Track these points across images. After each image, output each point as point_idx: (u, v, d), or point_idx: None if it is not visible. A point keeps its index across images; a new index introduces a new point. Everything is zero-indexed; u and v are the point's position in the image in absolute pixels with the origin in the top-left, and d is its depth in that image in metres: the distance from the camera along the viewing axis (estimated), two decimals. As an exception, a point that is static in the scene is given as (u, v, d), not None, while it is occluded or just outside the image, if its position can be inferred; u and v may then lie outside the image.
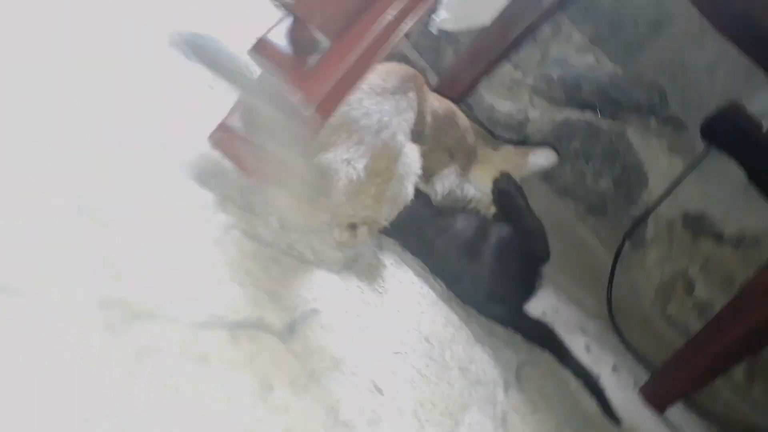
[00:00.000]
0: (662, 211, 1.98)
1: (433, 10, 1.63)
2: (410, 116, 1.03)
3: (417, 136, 1.06)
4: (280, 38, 0.85)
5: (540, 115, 2.07)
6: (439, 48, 1.93)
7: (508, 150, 1.32)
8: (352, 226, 0.99)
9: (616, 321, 1.84)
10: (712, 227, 1.98)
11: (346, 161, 0.91)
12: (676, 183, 1.86)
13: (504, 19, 1.49)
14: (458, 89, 1.57)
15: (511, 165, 1.34)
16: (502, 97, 2.10)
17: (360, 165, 0.92)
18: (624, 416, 1.35)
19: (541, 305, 1.58)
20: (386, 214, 1.00)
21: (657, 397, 1.52)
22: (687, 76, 1.95)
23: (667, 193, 1.88)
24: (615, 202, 2.04)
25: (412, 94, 1.04)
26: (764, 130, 1.79)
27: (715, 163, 1.86)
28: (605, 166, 2.04)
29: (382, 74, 1.01)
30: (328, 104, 0.85)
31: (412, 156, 1.01)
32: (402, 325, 0.97)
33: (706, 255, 1.98)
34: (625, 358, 1.70)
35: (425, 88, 1.11)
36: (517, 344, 1.23)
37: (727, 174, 1.88)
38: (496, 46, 1.51)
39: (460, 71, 1.59)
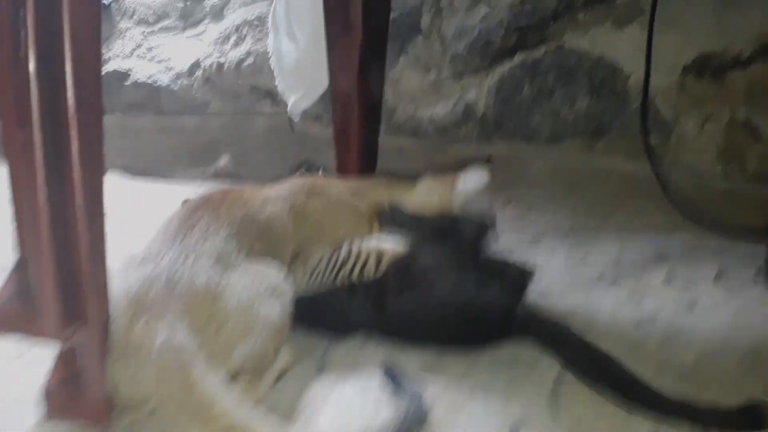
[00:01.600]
0: (659, 83, 1.67)
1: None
2: (216, 242, 0.89)
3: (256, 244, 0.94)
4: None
5: (477, 93, 1.87)
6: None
7: (427, 184, 1.18)
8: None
9: (690, 214, 1.53)
10: (725, 57, 1.64)
11: (169, 347, 0.77)
12: (649, 46, 1.58)
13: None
14: (357, 144, 1.42)
15: (437, 198, 1.20)
16: (430, 105, 1.92)
17: (181, 338, 0.78)
18: (757, 322, 1.10)
19: (596, 269, 1.34)
20: (250, 352, 0.83)
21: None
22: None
23: (648, 62, 1.59)
24: (608, 112, 1.76)
25: (204, 221, 0.91)
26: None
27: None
28: (571, 88, 1.77)
29: (162, 225, 0.92)
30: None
31: (244, 278, 0.86)
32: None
33: (743, 88, 1.63)
34: (722, 258, 1.37)
35: (234, 196, 1.00)
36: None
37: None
38: (350, 82, 1.38)
39: (345, 127, 1.45)
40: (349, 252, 1.07)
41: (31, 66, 0.64)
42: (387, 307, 1.03)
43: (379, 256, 1.06)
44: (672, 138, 1.70)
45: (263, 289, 0.88)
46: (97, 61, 0.72)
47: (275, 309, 0.88)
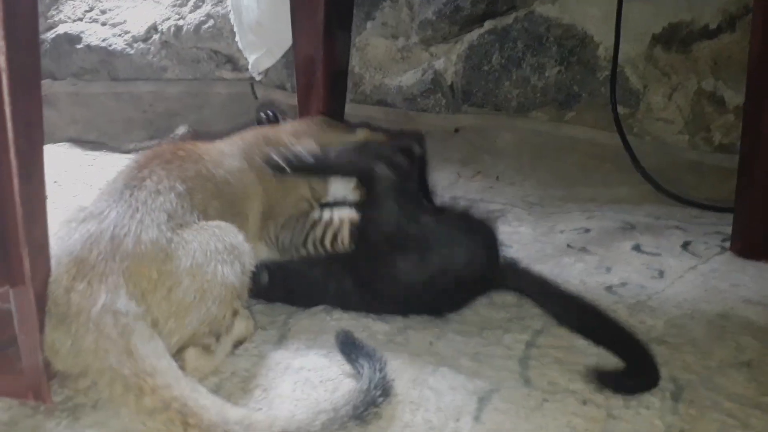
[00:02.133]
0: (629, 53, 1.66)
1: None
2: (167, 198, 0.82)
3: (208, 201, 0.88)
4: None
5: (445, 61, 1.82)
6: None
7: (363, 135, 1.14)
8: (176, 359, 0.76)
9: (661, 186, 1.52)
10: (693, 28, 1.63)
11: (109, 311, 0.71)
12: (618, 14, 1.55)
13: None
14: (322, 112, 1.36)
15: None
16: (398, 73, 1.87)
17: (123, 302, 0.71)
18: (725, 288, 1.09)
19: (564, 237, 1.32)
20: (205, 317, 0.78)
21: (753, 245, 1.20)
22: None
23: (617, 31, 1.57)
24: (577, 81, 1.73)
25: (155, 176, 0.84)
26: None
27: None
28: (540, 56, 1.74)
29: (108, 181, 0.85)
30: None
31: (199, 235, 0.80)
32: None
33: (710, 58, 1.63)
34: (690, 227, 1.37)
35: (187, 151, 0.93)
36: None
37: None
38: (314, 46, 1.31)
39: (308, 94, 1.39)
40: (320, 216, 1.01)
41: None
42: (361, 275, 0.98)
43: (353, 225, 1.00)
44: (640, 108, 1.69)
45: (221, 248, 0.81)
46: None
47: (233, 270, 0.81)
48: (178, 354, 0.77)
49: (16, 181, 0.64)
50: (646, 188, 1.54)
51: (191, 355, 0.78)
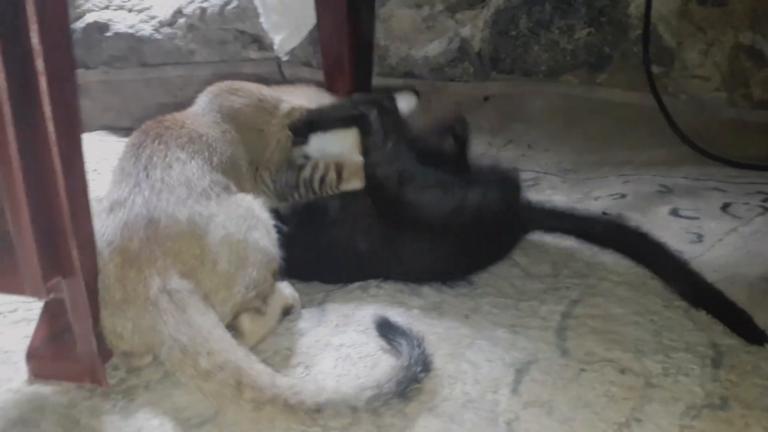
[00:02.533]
0: (661, 10, 1.60)
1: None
2: (179, 169, 0.85)
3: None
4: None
5: (472, 28, 1.79)
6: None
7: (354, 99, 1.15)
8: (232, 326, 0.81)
9: (698, 146, 1.49)
10: (730, -20, 1.57)
11: (163, 292, 0.74)
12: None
13: None
14: (349, 88, 1.36)
15: None
16: (424, 43, 1.84)
17: (175, 282, 0.75)
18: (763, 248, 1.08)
19: (599, 203, 1.30)
20: (249, 282, 0.81)
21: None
22: None
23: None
24: (608, 42, 1.68)
25: (157, 152, 0.87)
26: None
27: None
28: (569, 18, 1.70)
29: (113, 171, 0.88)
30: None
31: (224, 206, 0.83)
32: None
33: (747, 10, 1.56)
34: (729, 188, 1.34)
35: (169, 122, 0.95)
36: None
37: None
38: (338, 21, 1.30)
39: (335, 70, 1.39)
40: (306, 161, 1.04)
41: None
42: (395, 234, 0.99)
43: (339, 168, 1.02)
44: (675, 66, 1.64)
45: (245, 214, 0.84)
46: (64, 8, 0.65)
47: (262, 233, 0.84)
48: (233, 321, 0.81)
49: (60, 175, 0.67)
50: (683, 149, 1.51)
51: (245, 320, 0.82)
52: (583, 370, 0.79)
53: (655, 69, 1.59)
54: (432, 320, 0.90)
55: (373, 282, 1.01)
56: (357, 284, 1.01)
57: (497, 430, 0.69)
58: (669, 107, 1.53)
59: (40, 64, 0.61)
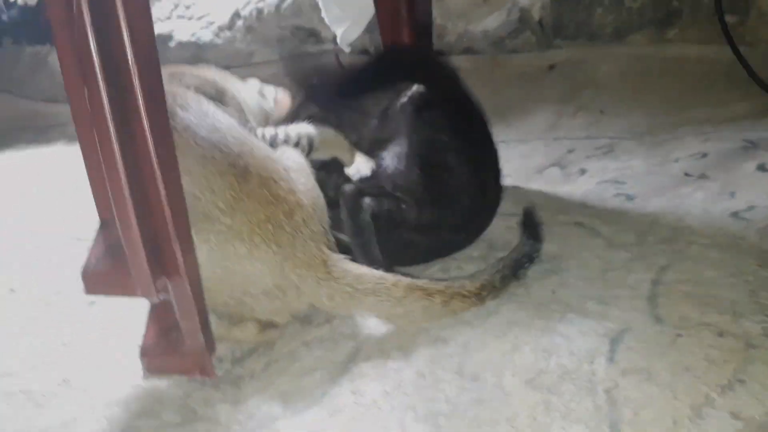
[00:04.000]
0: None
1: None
2: (220, 113, 0.91)
3: None
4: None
5: (531, -2, 1.76)
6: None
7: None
8: None
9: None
10: None
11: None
12: None
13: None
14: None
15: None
16: (482, 17, 1.82)
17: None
18: None
19: (680, 165, 1.26)
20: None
21: None
22: None
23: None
24: (675, -4, 1.62)
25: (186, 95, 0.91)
26: None
27: None
28: (633, -25, 1.64)
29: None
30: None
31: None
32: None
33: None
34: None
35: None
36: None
37: None
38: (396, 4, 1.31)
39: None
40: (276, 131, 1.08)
41: (87, 23, 0.63)
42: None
43: (310, 140, 1.08)
44: (751, 14, 1.56)
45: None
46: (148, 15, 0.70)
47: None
48: None
49: (160, 183, 0.72)
50: (766, 101, 1.43)
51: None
52: (679, 335, 0.78)
53: (729, 19, 1.52)
54: (519, 297, 0.91)
55: (453, 263, 1.02)
56: (437, 265, 1.02)
57: (597, 399, 0.69)
58: (748, 58, 1.46)
59: (135, 81, 0.65)
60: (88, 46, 0.63)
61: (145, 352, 0.86)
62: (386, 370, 0.79)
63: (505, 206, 1.14)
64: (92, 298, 1.02)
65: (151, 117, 0.68)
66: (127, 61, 0.64)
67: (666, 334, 0.78)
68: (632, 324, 0.81)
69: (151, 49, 0.68)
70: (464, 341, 0.83)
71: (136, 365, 0.87)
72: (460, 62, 1.85)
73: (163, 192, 0.71)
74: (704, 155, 1.29)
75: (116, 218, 0.71)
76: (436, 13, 1.83)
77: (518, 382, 0.74)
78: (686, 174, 1.22)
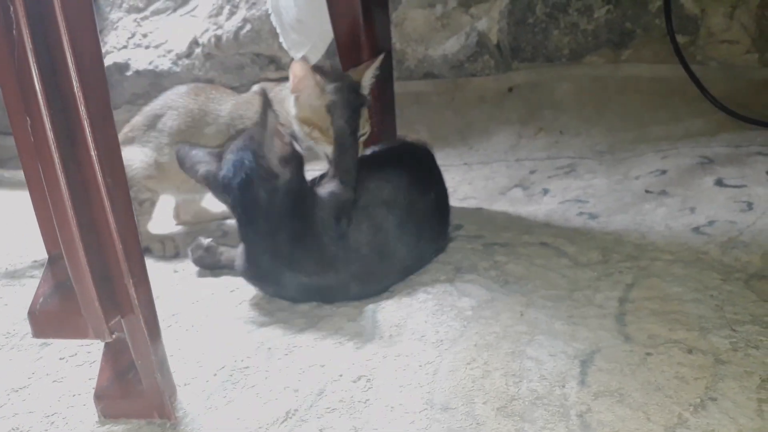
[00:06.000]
0: (680, -22, 1.57)
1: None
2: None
3: None
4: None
5: (488, 21, 1.78)
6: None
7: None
8: None
9: (735, 112, 1.45)
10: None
11: None
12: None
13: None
14: (372, 95, 1.36)
15: None
16: (441, 42, 1.84)
17: None
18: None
19: (640, 182, 1.28)
20: None
21: None
22: None
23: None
24: (628, 17, 1.65)
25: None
26: None
27: None
28: (586, -2, 1.68)
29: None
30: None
31: None
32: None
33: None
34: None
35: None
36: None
37: None
38: (354, 30, 1.30)
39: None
40: None
41: (30, 56, 0.60)
42: None
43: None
44: (700, 33, 1.61)
45: None
46: (95, 40, 0.67)
47: None
48: None
49: (110, 215, 0.68)
50: (720, 117, 1.47)
51: None
52: (648, 354, 0.77)
53: (681, 39, 1.56)
54: (488, 320, 0.89)
55: (420, 288, 1.00)
56: (405, 292, 1.00)
57: (570, 424, 0.68)
58: (699, 76, 1.50)
59: (82, 110, 0.62)
60: (30, 71, 0.60)
61: (100, 396, 0.81)
62: (353, 403, 0.77)
63: (470, 229, 1.13)
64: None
65: (100, 144, 0.64)
66: (72, 86, 0.61)
67: (636, 353, 0.78)
68: (601, 344, 0.80)
69: (98, 71, 0.65)
70: (433, 368, 0.81)
71: (91, 410, 0.82)
72: (421, 87, 1.86)
73: (113, 224, 0.67)
74: (663, 172, 1.31)
75: (64, 253, 0.67)
76: (395, 38, 1.85)
77: (490, 410, 0.71)
78: (647, 191, 1.24)
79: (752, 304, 0.84)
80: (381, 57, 1.22)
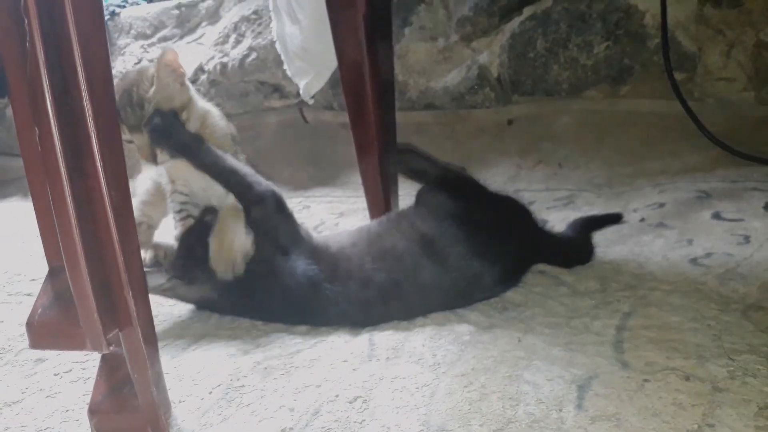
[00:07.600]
0: (677, 16, 1.61)
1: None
2: None
3: None
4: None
5: (489, 55, 1.81)
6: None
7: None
8: None
9: (731, 148, 1.46)
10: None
11: None
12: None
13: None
14: (374, 124, 1.38)
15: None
16: (442, 74, 1.87)
17: None
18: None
19: (638, 215, 1.29)
20: None
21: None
22: None
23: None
24: (627, 53, 1.69)
25: None
26: None
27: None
28: (586, 34, 1.71)
29: None
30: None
31: None
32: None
33: (765, 8, 1.56)
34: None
35: None
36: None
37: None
38: (358, 59, 1.33)
39: (358, 109, 1.41)
40: None
41: (41, 59, 0.61)
42: None
43: None
44: (698, 71, 1.64)
45: None
46: (106, 62, 0.69)
47: None
48: None
49: (113, 227, 0.69)
50: (716, 153, 1.49)
51: None
52: (646, 380, 0.77)
53: (678, 75, 1.59)
54: (485, 345, 0.89)
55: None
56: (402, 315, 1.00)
57: (567, 449, 0.67)
58: (697, 112, 1.53)
59: (90, 121, 0.63)
60: (41, 82, 0.62)
61: (95, 411, 0.80)
62: (349, 423, 0.76)
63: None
64: (40, 353, 0.97)
65: (106, 156, 0.65)
66: (81, 98, 0.63)
67: (633, 380, 0.77)
68: (599, 370, 0.80)
69: (108, 93, 0.67)
70: (430, 391, 0.80)
71: (85, 425, 0.81)
72: (422, 117, 1.88)
73: (115, 236, 0.68)
74: (661, 205, 1.32)
75: (65, 264, 0.67)
76: (398, 69, 1.88)
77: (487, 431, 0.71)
78: (645, 224, 1.24)
79: (750, 333, 0.84)
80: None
